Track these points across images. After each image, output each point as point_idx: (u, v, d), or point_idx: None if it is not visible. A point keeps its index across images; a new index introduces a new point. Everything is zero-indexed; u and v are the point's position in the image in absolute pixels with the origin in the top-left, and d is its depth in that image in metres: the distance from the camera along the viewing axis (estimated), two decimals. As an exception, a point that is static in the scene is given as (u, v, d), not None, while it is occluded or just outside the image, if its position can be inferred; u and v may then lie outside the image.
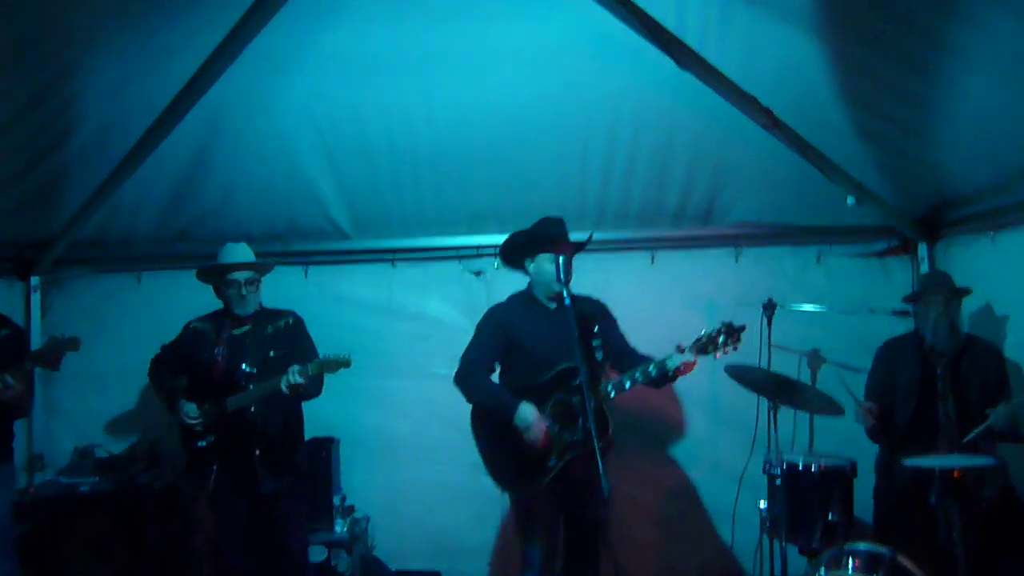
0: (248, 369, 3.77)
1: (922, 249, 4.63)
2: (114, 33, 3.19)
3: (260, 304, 3.95)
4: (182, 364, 3.94)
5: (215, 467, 3.74)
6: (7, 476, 3.72)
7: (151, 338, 4.80)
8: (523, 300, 3.72)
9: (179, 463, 4.67)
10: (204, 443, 3.77)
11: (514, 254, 3.72)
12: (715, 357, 3.43)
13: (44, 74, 3.28)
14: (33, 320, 4.85)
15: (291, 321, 3.95)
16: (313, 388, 3.76)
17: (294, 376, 3.56)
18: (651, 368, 3.38)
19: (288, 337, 3.88)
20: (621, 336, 3.76)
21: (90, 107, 3.62)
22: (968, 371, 3.71)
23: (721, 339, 3.40)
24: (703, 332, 3.43)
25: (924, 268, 4.60)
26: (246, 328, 3.88)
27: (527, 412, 3.42)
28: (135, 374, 4.79)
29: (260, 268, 3.93)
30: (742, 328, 3.43)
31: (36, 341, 4.80)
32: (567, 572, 3.60)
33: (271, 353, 3.81)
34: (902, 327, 4.16)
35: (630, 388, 3.40)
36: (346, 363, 3.59)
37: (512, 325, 3.66)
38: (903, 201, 4.44)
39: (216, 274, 3.87)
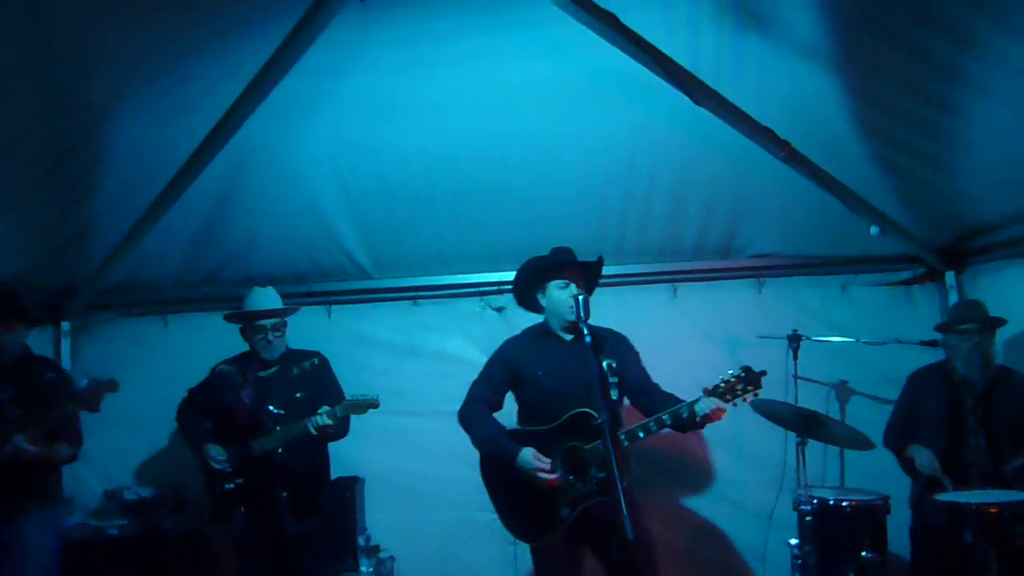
0: (275, 411, 3.78)
1: (949, 277, 4.55)
2: (140, 87, 3.29)
3: (286, 346, 3.98)
4: (209, 407, 3.97)
5: (241, 510, 3.74)
6: (46, 519, 3.73)
7: (178, 380, 4.85)
8: (536, 333, 3.61)
9: (204, 507, 4.73)
10: (231, 486, 3.78)
11: (525, 290, 3.61)
12: (734, 405, 3.13)
13: (74, 130, 3.39)
14: (63, 364, 4.92)
15: (316, 362, 3.96)
16: (340, 429, 3.76)
17: (322, 418, 3.58)
18: (665, 417, 3.16)
19: (314, 378, 3.89)
20: (642, 371, 3.56)
21: (117, 159, 3.72)
22: (1000, 404, 3.63)
23: (740, 386, 3.11)
24: (719, 379, 3.15)
25: (952, 297, 4.52)
26: (272, 370, 3.90)
27: (528, 458, 3.28)
28: (162, 417, 4.82)
29: (286, 312, 3.95)
30: (762, 373, 3.15)
31: (67, 385, 4.90)
32: None
33: (297, 395, 3.82)
34: (931, 358, 4.09)
35: (644, 438, 3.21)
36: (374, 404, 3.61)
37: (521, 359, 3.54)
38: (928, 230, 4.39)
39: (243, 319, 3.91)
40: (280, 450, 3.74)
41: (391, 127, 3.90)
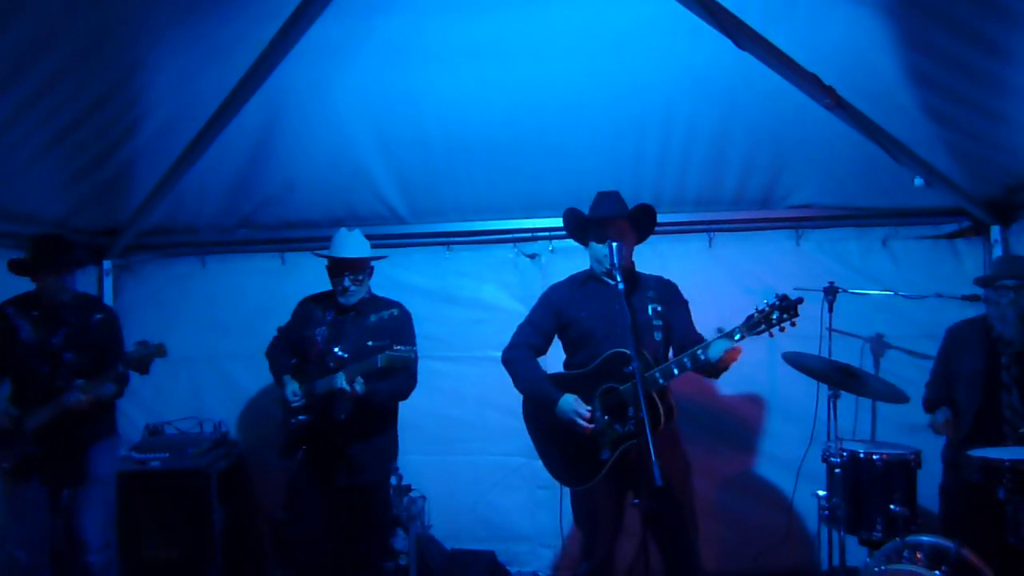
0: (340, 354, 3.77)
1: (995, 232, 4.44)
2: (176, 29, 3.27)
3: (369, 291, 3.93)
4: (296, 341, 3.97)
5: (303, 449, 3.76)
6: (111, 449, 3.94)
7: (216, 319, 5.03)
8: (581, 278, 3.63)
9: (247, 443, 4.87)
10: (295, 421, 3.79)
11: (573, 232, 3.64)
12: (770, 336, 3.07)
13: (112, 72, 3.38)
14: (106, 302, 5.05)
15: (396, 313, 3.89)
16: (403, 380, 3.78)
17: (339, 380, 3.57)
18: (699, 352, 3.14)
19: (391, 329, 3.81)
20: (687, 319, 3.52)
21: (155, 101, 3.72)
22: (1038, 361, 3.56)
23: (775, 315, 3.03)
24: (755, 309, 3.08)
25: (997, 251, 4.42)
26: (351, 314, 3.86)
27: (567, 404, 3.34)
28: (201, 355, 5.01)
29: (365, 262, 3.87)
30: (799, 301, 3.04)
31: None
32: (660, 547, 3.38)
33: (369, 343, 3.75)
34: (972, 313, 4.00)
35: (679, 375, 3.20)
36: (409, 355, 3.53)
37: (566, 303, 3.57)
38: (975, 182, 4.26)
39: (335, 269, 3.85)
40: (338, 398, 3.67)
41: (427, 73, 3.85)
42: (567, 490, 3.58)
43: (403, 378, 3.81)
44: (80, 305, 3.80)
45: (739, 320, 4.52)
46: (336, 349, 3.80)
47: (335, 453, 3.78)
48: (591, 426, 3.31)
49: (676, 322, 3.48)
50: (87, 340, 3.70)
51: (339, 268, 3.82)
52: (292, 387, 3.79)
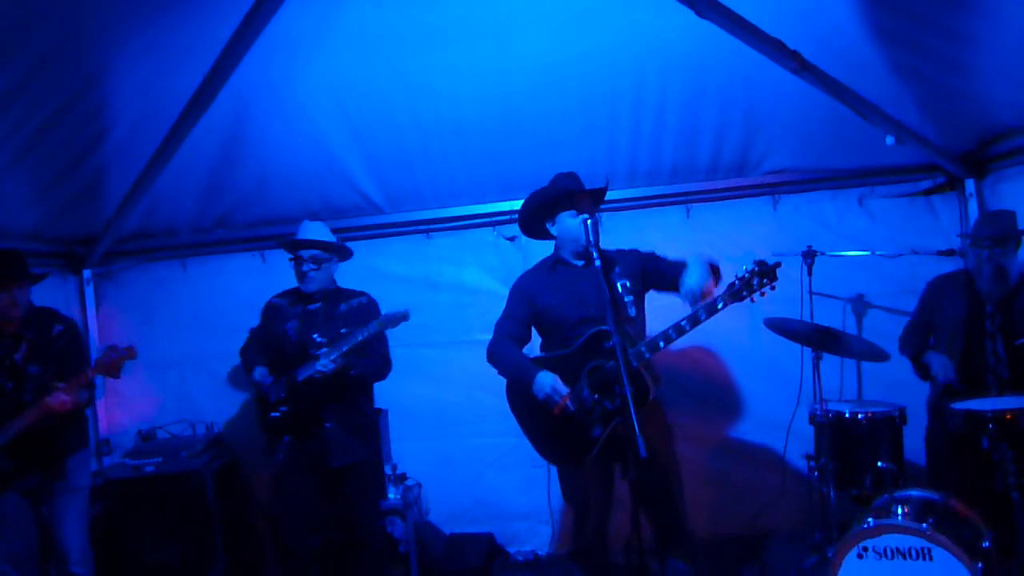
0: (320, 340, 3.84)
1: (969, 185, 4.46)
2: (136, 33, 3.24)
3: (333, 282, 4.03)
4: (265, 340, 4.04)
5: (286, 440, 3.84)
6: (86, 460, 3.91)
7: (200, 321, 5.02)
8: (548, 264, 3.62)
9: (237, 444, 4.88)
10: (277, 414, 3.86)
11: (532, 221, 3.60)
12: (751, 301, 3.11)
13: (75, 80, 3.36)
14: (88, 312, 5.03)
15: (364, 301, 4.00)
16: (377, 363, 3.89)
17: (324, 363, 3.65)
18: (683, 323, 3.17)
19: (361, 316, 3.89)
20: (658, 261, 3.53)
21: (121, 106, 3.70)
22: (1020, 309, 3.59)
23: (755, 281, 3.09)
24: (735, 277, 3.13)
25: (972, 205, 4.45)
26: (319, 304, 3.96)
27: (544, 381, 3.33)
28: (187, 358, 5.01)
29: (330, 248, 3.96)
30: (776, 265, 3.10)
31: (93, 331, 5.02)
32: (648, 516, 3.44)
33: (343, 330, 3.83)
34: (949, 268, 4.04)
35: (664, 347, 3.21)
36: (405, 316, 3.64)
37: (536, 292, 3.56)
38: (947, 137, 4.28)
39: (289, 248, 3.96)
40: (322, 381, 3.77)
41: (393, 60, 3.82)
42: (555, 468, 3.59)
43: (377, 361, 3.93)
44: (38, 318, 3.75)
45: (719, 288, 4.57)
46: (315, 336, 3.86)
47: (320, 438, 3.83)
48: (565, 403, 3.30)
49: (658, 270, 3.48)
50: (50, 352, 3.66)
51: (297, 254, 3.90)
52: (260, 370, 3.88)
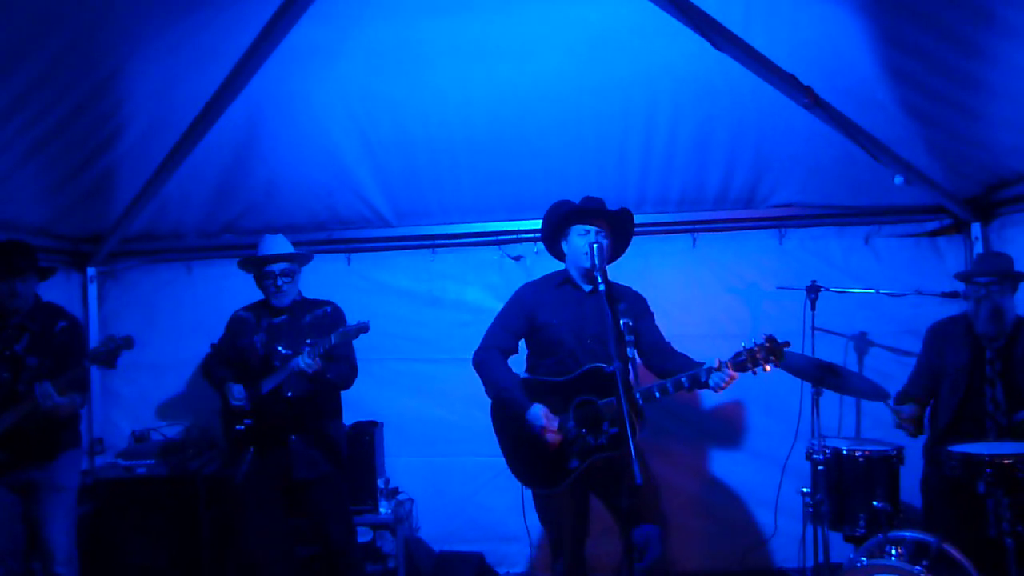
0: (284, 351, 3.84)
1: (975, 229, 4.48)
2: (156, 35, 3.27)
3: (299, 294, 4.04)
4: (230, 352, 4.06)
5: (251, 451, 3.80)
6: (76, 460, 3.89)
7: (202, 325, 4.98)
8: (556, 281, 3.60)
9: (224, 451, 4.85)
10: (242, 427, 3.86)
11: (552, 236, 3.60)
12: (753, 374, 3.16)
13: (93, 78, 3.38)
14: (90, 309, 5.04)
15: (329, 311, 4.00)
16: (345, 369, 3.85)
17: (303, 359, 3.59)
18: (684, 380, 3.20)
19: (326, 326, 3.88)
20: (655, 331, 3.57)
21: (136, 107, 3.72)
22: (1020, 355, 3.59)
23: (761, 355, 3.13)
24: (743, 347, 3.16)
25: (978, 248, 4.45)
26: (284, 317, 3.97)
27: (538, 414, 3.33)
28: (187, 360, 5.00)
29: (297, 259, 3.99)
30: (785, 344, 3.16)
31: (94, 329, 5.02)
32: (626, 549, 3.35)
33: (308, 340, 3.78)
34: (953, 309, 4.04)
35: (660, 399, 3.25)
36: (364, 328, 3.57)
37: (538, 305, 3.54)
38: (955, 180, 4.30)
39: (255, 265, 3.97)
40: (290, 393, 3.80)
41: (409, 75, 3.85)
42: (528, 491, 3.59)
43: (345, 367, 3.89)
44: (44, 312, 3.77)
45: (722, 318, 4.58)
46: (279, 348, 3.86)
47: (284, 451, 3.83)
48: (558, 438, 3.32)
49: (647, 336, 3.49)
50: (50, 346, 3.67)
51: (267, 270, 3.89)
52: (236, 388, 3.86)
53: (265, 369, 3.85)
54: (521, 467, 3.51)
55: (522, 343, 3.66)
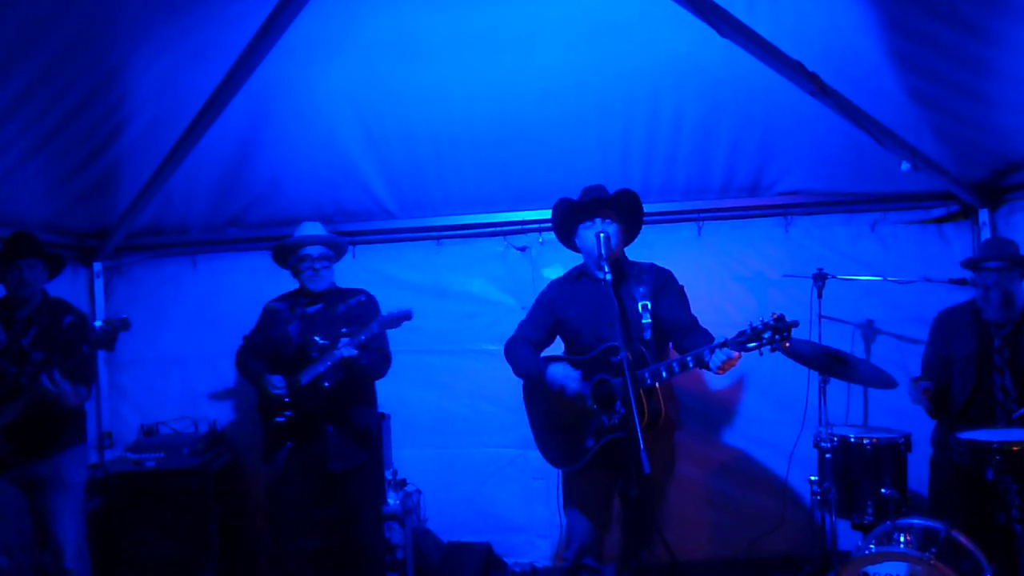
0: (321, 342, 3.83)
1: (983, 215, 4.45)
2: (158, 31, 3.26)
3: (333, 283, 4.04)
4: (263, 344, 4.05)
5: (289, 444, 3.83)
6: (82, 455, 3.90)
7: (208, 319, 5.03)
8: (573, 275, 3.68)
9: (240, 443, 4.88)
10: (283, 419, 3.85)
11: (562, 235, 3.64)
12: (759, 355, 3.06)
13: (96, 73, 3.38)
14: (97, 304, 5.05)
15: (364, 299, 4.01)
16: (378, 358, 3.88)
17: (348, 349, 3.65)
18: (689, 360, 3.16)
19: (361, 315, 3.90)
20: (677, 307, 3.51)
21: (140, 102, 3.72)
22: (1030, 346, 3.57)
23: (767, 334, 3.02)
24: (748, 326, 3.06)
25: (986, 235, 4.43)
26: (319, 306, 3.97)
27: (556, 372, 3.41)
28: (194, 354, 5.02)
29: (334, 246, 4.02)
30: (793, 324, 3.03)
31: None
32: (622, 549, 3.58)
33: (343, 329, 3.83)
34: (960, 296, 4.02)
35: (667, 378, 3.21)
36: (407, 316, 3.66)
37: (558, 301, 3.63)
38: (962, 166, 4.26)
39: (291, 251, 3.97)
40: (327, 384, 3.79)
41: (411, 67, 3.83)
42: (558, 477, 3.60)
43: (378, 356, 3.91)
44: (52, 307, 3.78)
45: (728, 306, 4.55)
46: (316, 338, 3.85)
47: (322, 442, 3.84)
48: (577, 386, 3.37)
49: (666, 313, 3.45)
50: (56, 340, 3.67)
51: (303, 253, 3.92)
52: (276, 379, 3.85)
53: (301, 359, 3.84)
54: (547, 443, 3.58)
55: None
